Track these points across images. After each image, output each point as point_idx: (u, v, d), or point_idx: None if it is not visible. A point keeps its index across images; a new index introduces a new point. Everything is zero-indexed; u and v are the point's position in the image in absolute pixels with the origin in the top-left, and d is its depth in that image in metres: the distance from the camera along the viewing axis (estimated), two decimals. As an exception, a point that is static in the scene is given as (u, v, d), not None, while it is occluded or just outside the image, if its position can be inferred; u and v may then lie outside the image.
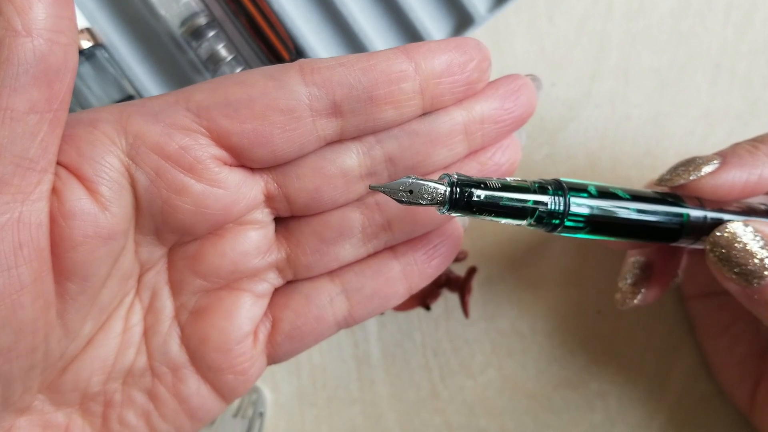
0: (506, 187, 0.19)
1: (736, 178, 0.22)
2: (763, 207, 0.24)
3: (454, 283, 0.31)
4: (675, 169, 0.23)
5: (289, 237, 0.21)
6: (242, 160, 0.19)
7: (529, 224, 0.20)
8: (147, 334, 0.20)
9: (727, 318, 0.29)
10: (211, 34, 0.28)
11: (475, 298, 0.32)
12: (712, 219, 0.22)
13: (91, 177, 0.17)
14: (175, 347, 0.20)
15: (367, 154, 0.20)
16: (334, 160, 0.19)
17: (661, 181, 0.23)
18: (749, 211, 0.23)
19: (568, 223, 0.20)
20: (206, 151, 0.18)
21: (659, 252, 0.27)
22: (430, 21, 0.29)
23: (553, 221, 0.20)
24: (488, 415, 0.32)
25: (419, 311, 0.32)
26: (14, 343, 0.17)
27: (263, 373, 0.32)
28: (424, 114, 0.20)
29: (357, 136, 0.20)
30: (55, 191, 0.17)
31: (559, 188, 0.20)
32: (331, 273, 0.21)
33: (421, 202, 0.18)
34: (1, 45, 0.15)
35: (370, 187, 0.19)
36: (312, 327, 0.21)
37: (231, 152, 0.19)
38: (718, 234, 0.21)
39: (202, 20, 0.28)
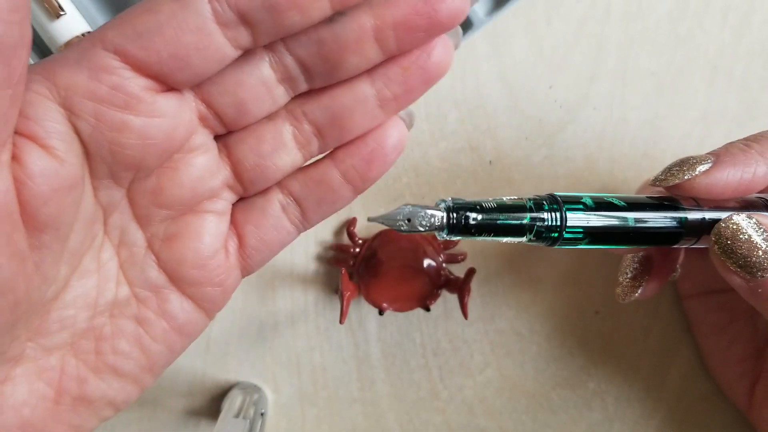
0: (502, 207, 0.20)
1: (730, 176, 0.22)
2: (761, 201, 0.24)
3: (453, 285, 0.31)
4: (669, 169, 0.23)
5: (229, 155, 0.22)
6: (168, 85, 0.19)
7: (529, 240, 0.20)
8: (123, 267, 0.21)
9: (725, 317, 0.29)
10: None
11: (473, 299, 0.32)
12: (710, 219, 0.23)
13: (42, 135, 0.18)
14: (153, 273, 0.22)
15: (279, 62, 0.20)
16: (251, 72, 0.20)
17: (655, 181, 0.23)
18: (747, 207, 0.24)
19: (566, 236, 0.21)
20: (134, 84, 0.19)
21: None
22: (430, 24, 0.29)
23: (552, 235, 0.20)
24: (487, 414, 0.32)
25: (419, 312, 0.32)
26: None
27: (264, 374, 0.32)
28: (333, 18, 0.20)
29: (270, 45, 0.20)
30: (14, 157, 0.18)
31: (554, 203, 0.20)
32: (279, 184, 0.23)
33: (420, 229, 0.19)
34: None
35: (369, 219, 0.20)
36: (273, 236, 0.23)
37: (156, 80, 0.19)
38: (723, 225, 0.22)
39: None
